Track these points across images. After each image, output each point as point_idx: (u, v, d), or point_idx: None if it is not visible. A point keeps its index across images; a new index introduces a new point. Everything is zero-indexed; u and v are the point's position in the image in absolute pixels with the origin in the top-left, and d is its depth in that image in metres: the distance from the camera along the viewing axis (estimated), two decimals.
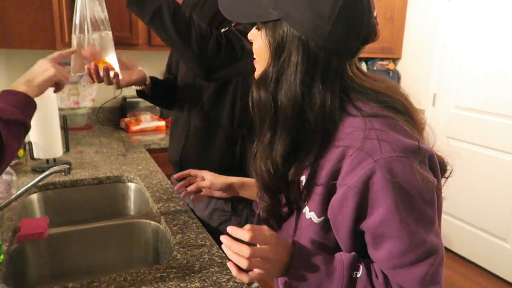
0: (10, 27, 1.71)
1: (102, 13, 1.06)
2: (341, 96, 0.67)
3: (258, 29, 0.70)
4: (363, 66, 3.38)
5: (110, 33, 1.09)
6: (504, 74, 2.53)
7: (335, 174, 0.65)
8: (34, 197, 1.48)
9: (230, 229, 0.66)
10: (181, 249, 1.06)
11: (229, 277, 0.94)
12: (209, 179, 1.05)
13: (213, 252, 1.05)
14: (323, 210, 0.68)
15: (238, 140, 1.22)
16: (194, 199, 1.08)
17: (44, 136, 1.58)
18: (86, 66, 1.10)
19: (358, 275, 0.66)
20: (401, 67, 3.39)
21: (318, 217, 0.69)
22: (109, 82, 1.14)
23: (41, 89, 0.92)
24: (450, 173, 0.71)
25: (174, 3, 1.06)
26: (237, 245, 0.64)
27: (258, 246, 0.66)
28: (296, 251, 0.67)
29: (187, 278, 0.93)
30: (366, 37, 0.66)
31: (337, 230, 0.67)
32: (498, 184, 2.62)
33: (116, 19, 2.35)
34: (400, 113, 0.67)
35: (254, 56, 0.73)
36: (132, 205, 1.62)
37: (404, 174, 0.60)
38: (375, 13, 0.67)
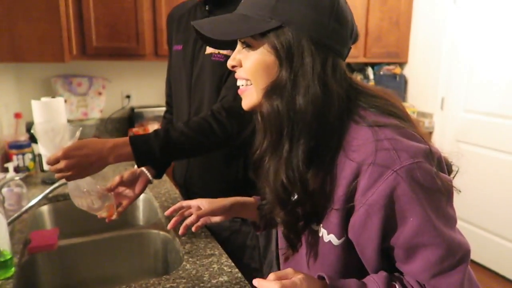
0: (19, 40, 1.74)
1: (93, 184, 1.13)
2: (349, 97, 0.66)
3: (249, 47, 0.66)
4: (369, 71, 3.38)
5: (106, 193, 1.15)
6: None
7: (352, 193, 0.62)
8: (45, 208, 1.49)
9: (256, 282, 0.60)
10: (190, 259, 1.05)
11: (238, 286, 0.93)
12: (207, 207, 0.94)
13: (222, 261, 1.04)
14: (342, 230, 0.65)
15: (240, 159, 1.21)
16: (195, 229, 0.97)
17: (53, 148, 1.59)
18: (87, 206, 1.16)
19: None
20: (407, 71, 3.37)
21: (339, 239, 0.66)
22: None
23: None
24: (456, 173, 0.70)
25: (160, 137, 1.04)
26: None
27: None
28: None
29: None
30: (355, 36, 0.67)
31: (362, 250, 0.64)
32: (510, 187, 2.58)
33: (124, 31, 2.39)
34: (403, 119, 0.66)
35: (242, 82, 0.69)
36: (141, 215, 1.62)
37: (427, 179, 0.58)
38: None
